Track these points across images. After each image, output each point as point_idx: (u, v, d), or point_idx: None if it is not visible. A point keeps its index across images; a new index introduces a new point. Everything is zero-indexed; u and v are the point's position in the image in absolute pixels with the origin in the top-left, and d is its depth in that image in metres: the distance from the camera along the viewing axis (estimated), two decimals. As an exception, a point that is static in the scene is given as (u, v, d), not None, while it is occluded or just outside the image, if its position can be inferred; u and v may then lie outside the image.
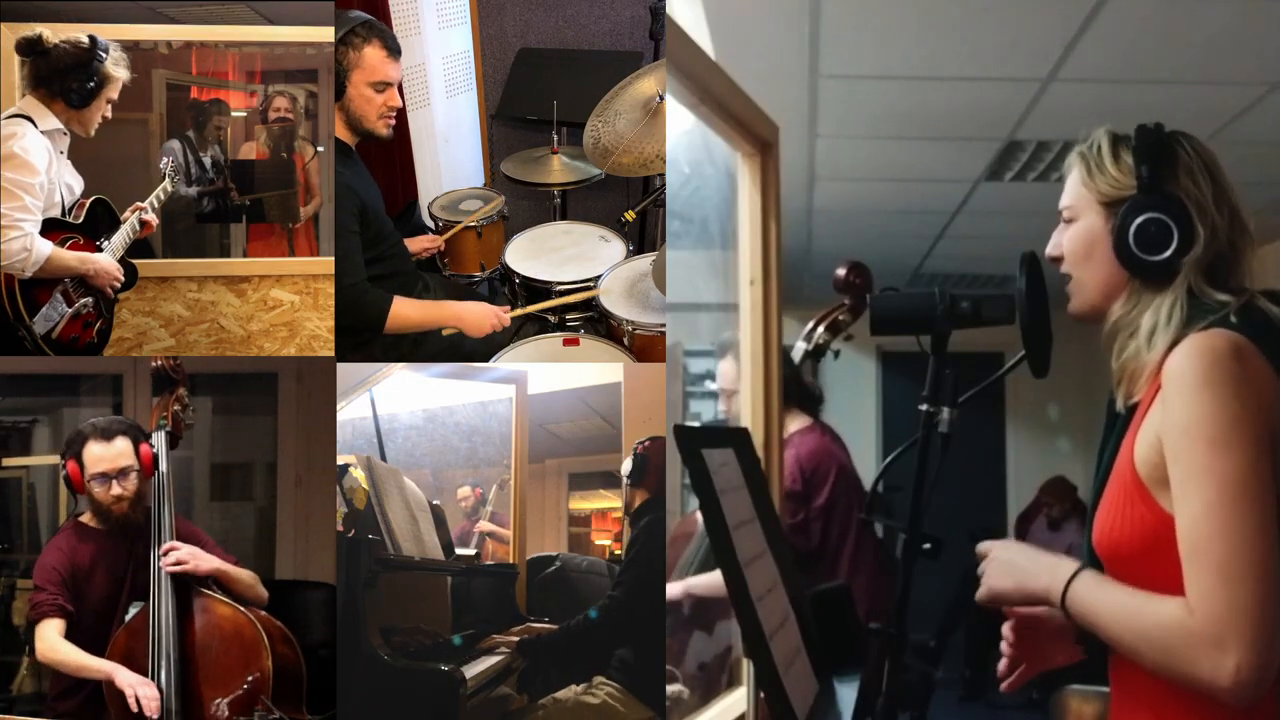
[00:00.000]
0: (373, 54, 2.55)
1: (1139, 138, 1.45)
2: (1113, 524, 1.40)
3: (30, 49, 2.37)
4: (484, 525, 2.72)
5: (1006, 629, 1.62)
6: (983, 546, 1.52)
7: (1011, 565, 1.46)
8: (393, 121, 2.64)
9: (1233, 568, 1.24)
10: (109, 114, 2.46)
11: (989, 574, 1.49)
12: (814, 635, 1.67)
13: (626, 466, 2.46)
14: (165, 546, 2.33)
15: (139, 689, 2.21)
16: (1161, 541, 1.33)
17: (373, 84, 2.56)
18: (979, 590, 1.50)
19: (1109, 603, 1.35)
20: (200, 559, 2.34)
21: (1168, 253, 1.41)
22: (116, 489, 2.37)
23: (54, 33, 2.40)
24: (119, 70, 2.42)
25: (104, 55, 2.39)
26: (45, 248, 2.31)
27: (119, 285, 2.49)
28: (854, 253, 3.58)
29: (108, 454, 2.37)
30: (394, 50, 2.60)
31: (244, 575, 2.42)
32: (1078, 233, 1.50)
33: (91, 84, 2.38)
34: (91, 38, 2.40)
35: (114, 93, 2.44)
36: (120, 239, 2.49)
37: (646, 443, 2.47)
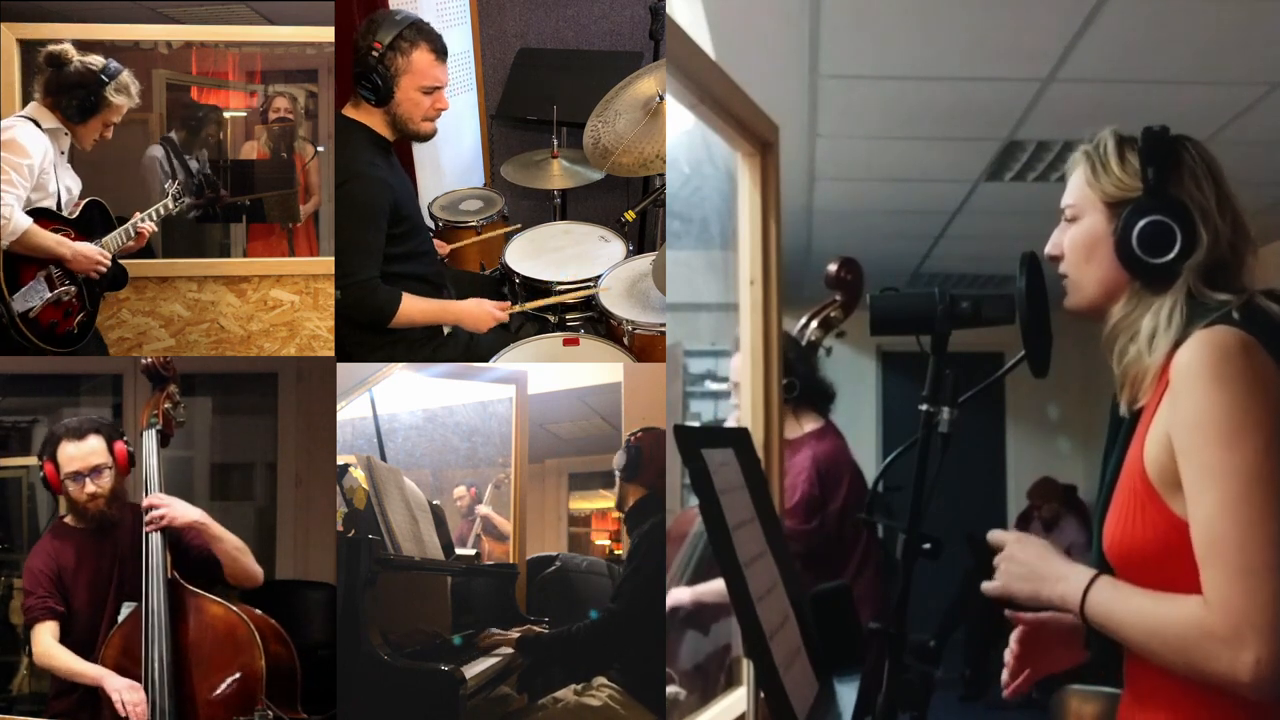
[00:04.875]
0: (421, 58, 2.54)
1: (1145, 140, 1.45)
2: (1125, 530, 1.40)
3: (51, 62, 2.48)
4: (482, 509, 2.70)
5: (1013, 638, 1.62)
6: (995, 537, 1.51)
7: (1029, 570, 1.45)
8: (436, 124, 2.63)
9: (1248, 562, 1.24)
10: (108, 135, 2.54)
11: (1006, 574, 1.47)
12: (814, 635, 1.67)
13: (620, 460, 2.43)
14: (145, 503, 2.35)
15: (124, 694, 2.22)
16: (1174, 546, 1.32)
17: (422, 88, 2.56)
18: (992, 584, 1.48)
19: (1127, 607, 1.35)
20: (177, 508, 2.36)
21: (1170, 256, 1.41)
22: (90, 487, 2.39)
23: (79, 53, 2.50)
24: (119, 98, 2.50)
25: (107, 81, 2.48)
26: (24, 221, 2.37)
27: (102, 271, 2.51)
28: (854, 253, 3.56)
29: (79, 452, 2.39)
30: (441, 52, 2.59)
31: (228, 535, 2.41)
32: (1079, 233, 1.50)
33: (90, 103, 2.47)
34: (106, 64, 2.49)
35: (114, 117, 2.53)
36: (113, 239, 2.53)
37: (640, 433, 2.44)
